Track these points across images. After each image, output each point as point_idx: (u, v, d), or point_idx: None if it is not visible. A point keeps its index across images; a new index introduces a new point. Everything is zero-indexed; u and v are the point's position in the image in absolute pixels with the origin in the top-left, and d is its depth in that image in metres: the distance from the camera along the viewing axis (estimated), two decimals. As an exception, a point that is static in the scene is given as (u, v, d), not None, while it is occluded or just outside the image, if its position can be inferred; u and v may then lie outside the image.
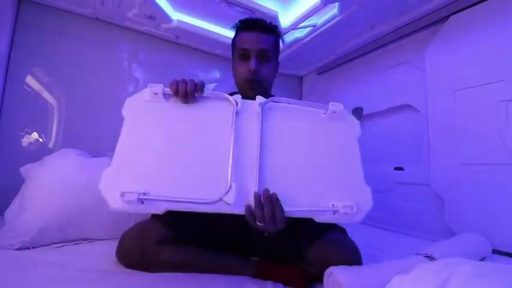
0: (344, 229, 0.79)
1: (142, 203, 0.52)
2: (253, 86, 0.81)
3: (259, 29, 0.81)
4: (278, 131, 0.63)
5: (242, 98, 0.76)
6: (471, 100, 1.12)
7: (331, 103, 0.66)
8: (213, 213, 0.54)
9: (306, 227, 0.78)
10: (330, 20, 1.38)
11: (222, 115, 0.63)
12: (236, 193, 0.53)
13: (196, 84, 0.63)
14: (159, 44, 1.64)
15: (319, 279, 0.63)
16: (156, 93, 0.61)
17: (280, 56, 1.75)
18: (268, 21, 0.85)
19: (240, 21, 0.85)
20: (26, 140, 1.29)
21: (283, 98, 0.66)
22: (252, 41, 0.80)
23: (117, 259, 0.74)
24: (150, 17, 1.42)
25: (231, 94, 0.96)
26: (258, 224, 0.54)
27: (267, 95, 0.88)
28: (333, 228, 0.77)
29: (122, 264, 0.73)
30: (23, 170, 1.09)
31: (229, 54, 1.83)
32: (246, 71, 0.80)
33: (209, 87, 1.82)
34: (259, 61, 0.80)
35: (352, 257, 0.69)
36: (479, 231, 1.01)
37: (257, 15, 1.37)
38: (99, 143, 1.40)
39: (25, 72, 1.30)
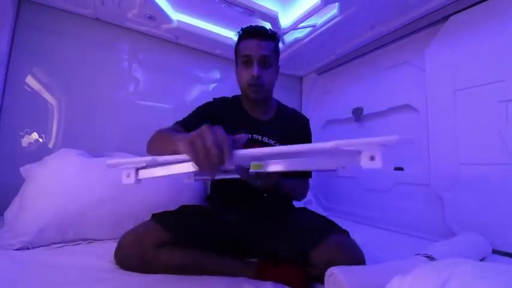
0: (346, 231, 0.79)
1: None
2: (255, 90, 0.89)
3: (260, 36, 0.87)
4: None
5: (246, 100, 0.96)
6: (471, 100, 1.12)
7: None
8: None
9: (308, 229, 0.78)
10: (330, 20, 1.38)
11: None
12: None
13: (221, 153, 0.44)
14: (159, 44, 1.64)
15: (322, 280, 0.63)
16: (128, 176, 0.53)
17: (280, 56, 1.76)
18: (268, 28, 0.91)
19: (242, 29, 0.91)
20: (26, 140, 1.29)
21: None
22: (254, 47, 0.86)
23: (116, 262, 0.74)
24: (150, 17, 1.42)
25: (235, 98, 1.03)
26: (255, 180, 0.64)
27: (268, 97, 0.98)
28: (335, 231, 0.77)
29: (121, 267, 0.73)
30: (23, 170, 1.09)
31: (228, 54, 1.83)
32: (249, 77, 0.87)
33: (210, 87, 1.83)
34: (261, 67, 0.87)
35: (356, 259, 0.69)
36: (479, 231, 1.01)
37: (257, 16, 1.37)
38: (99, 143, 1.40)
39: (25, 72, 1.30)
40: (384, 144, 0.43)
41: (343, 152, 0.47)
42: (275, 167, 0.49)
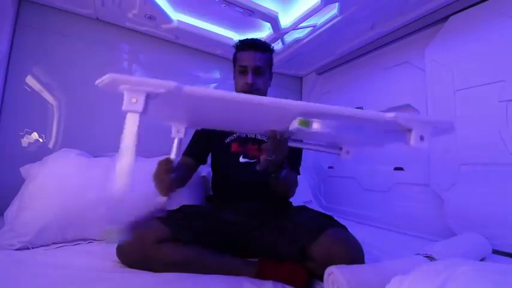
0: (345, 226, 0.79)
1: None
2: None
3: (255, 48, 0.97)
4: None
5: None
6: (471, 100, 1.12)
7: None
8: None
9: (307, 224, 0.78)
10: (330, 20, 1.38)
11: None
12: None
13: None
14: (159, 44, 1.64)
15: (322, 277, 0.63)
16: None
17: (281, 56, 1.76)
18: (262, 40, 1.02)
19: (240, 41, 1.01)
20: (26, 140, 1.29)
21: None
22: (249, 58, 0.96)
23: (117, 258, 0.74)
24: (150, 18, 1.42)
25: None
26: (269, 158, 0.65)
27: None
28: (334, 225, 0.77)
29: (122, 263, 0.74)
30: (23, 170, 1.09)
31: (229, 54, 1.83)
32: (244, 84, 0.96)
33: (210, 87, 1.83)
34: (255, 75, 0.97)
35: (355, 252, 0.69)
36: (479, 231, 1.01)
37: (257, 16, 1.37)
38: (99, 143, 1.40)
39: (25, 72, 1.30)
40: (437, 126, 0.44)
41: (392, 126, 0.47)
42: (320, 126, 0.47)
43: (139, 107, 0.41)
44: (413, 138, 0.45)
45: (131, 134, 0.42)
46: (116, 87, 0.41)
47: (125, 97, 0.41)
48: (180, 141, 0.68)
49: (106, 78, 0.38)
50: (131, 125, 0.42)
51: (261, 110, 0.50)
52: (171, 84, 0.39)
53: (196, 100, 0.46)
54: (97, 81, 0.39)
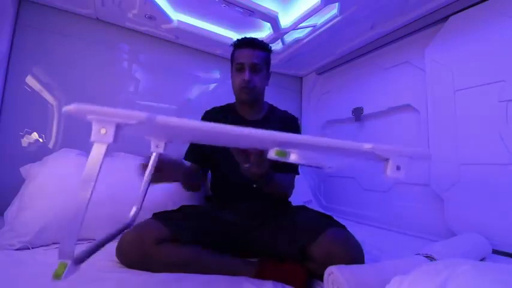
0: (344, 226, 0.79)
1: None
2: (247, 92, 0.98)
3: (252, 46, 0.98)
4: None
5: (238, 102, 1.05)
6: (471, 100, 1.12)
7: None
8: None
9: (306, 224, 0.78)
10: (330, 20, 1.38)
11: None
12: None
13: None
14: (159, 44, 1.64)
15: (322, 277, 0.63)
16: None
17: (281, 56, 1.76)
18: (260, 39, 1.02)
19: (237, 39, 1.02)
20: (26, 140, 1.29)
21: None
22: (246, 56, 0.96)
23: (117, 258, 0.74)
24: (150, 18, 1.42)
25: (227, 104, 1.10)
26: (245, 166, 0.62)
27: (258, 100, 1.05)
28: (334, 225, 0.77)
29: (122, 264, 0.74)
30: (23, 170, 1.09)
31: (229, 54, 1.84)
32: (242, 81, 0.97)
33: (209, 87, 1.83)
34: (252, 72, 0.97)
35: (354, 252, 0.69)
36: (479, 231, 1.01)
37: (257, 16, 1.37)
38: (99, 143, 1.40)
39: (25, 72, 1.30)
40: (412, 157, 0.44)
41: (370, 156, 0.47)
42: (297, 157, 0.46)
43: (109, 138, 0.39)
44: (389, 168, 0.45)
45: (96, 164, 0.41)
46: (83, 116, 0.39)
47: (93, 127, 0.39)
48: (159, 155, 0.66)
49: (72, 107, 0.36)
50: (97, 155, 0.41)
51: (239, 138, 0.49)
52: (143, 115, 0.37)
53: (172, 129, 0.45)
54: (63, 108, 0.37)
